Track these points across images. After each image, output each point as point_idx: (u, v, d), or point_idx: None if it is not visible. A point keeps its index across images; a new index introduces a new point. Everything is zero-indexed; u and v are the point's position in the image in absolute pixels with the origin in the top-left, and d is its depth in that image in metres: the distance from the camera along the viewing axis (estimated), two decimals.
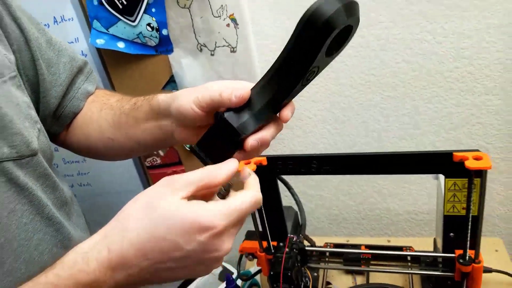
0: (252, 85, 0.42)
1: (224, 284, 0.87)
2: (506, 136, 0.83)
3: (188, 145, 0.44)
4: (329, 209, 1.03)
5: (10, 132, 0.45)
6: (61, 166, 1.10)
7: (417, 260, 0.75)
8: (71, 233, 0.53)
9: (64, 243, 0.52)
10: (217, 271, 1.14)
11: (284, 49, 0.38)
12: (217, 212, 0.36)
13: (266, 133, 0.42)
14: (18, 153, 0.46)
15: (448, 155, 0.58)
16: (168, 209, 0.36)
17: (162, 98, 0.51)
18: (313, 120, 0.92)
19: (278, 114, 0.42)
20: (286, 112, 0.42)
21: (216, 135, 0.42)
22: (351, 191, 0.98)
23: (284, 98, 0.41)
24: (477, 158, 0.56)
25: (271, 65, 0.39)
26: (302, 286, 0.73)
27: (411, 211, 0.96)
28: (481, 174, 0.56)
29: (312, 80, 0.41)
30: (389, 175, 0.92)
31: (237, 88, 0.42)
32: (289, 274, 0.69)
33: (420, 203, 0.94)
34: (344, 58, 0.84)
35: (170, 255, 0.37)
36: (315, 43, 0.36)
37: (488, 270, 0.75)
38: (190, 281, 1.13)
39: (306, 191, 1.01)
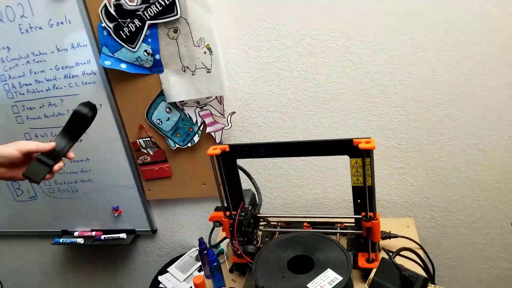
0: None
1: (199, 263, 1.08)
2: (413, 139, 1.11)
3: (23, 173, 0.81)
4: (284, 199, 1.28)
5: None
6: (68, 165, 1.33)
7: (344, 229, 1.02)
8: None
9: None
10: (195, 253, 1.36)
11: (67, 127, 0.82)
12: None
13: (61, 163, 0.81)
14: None
15: (350, 141, 0.85)
16: None
17: None
18: (270, 127, 1.18)
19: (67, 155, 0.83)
20: (71, 154, 0.83)
21: (34, 166, 0.79)
22: (300, 183, 1.24)
23: (69, 150, 0.83)
24: (367, 142, 0.83)
25: (60, 136, 0.82)
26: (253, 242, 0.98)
27: (347, 199, 1.22)
28: (369, 153, 0.83)
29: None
30: (329, 166, 1.19)
31: (44, 144, 0.80)
32: (242, 229, 0.94)
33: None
34: (292, 80, 1.11)
35: None
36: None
37: (395, 236, 1.01)
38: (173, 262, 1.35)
39: (266, 184, 1.27)
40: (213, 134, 1.18)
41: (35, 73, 1.22)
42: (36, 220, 1.51)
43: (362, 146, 0.82)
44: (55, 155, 0.81)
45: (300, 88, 1.11)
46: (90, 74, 1.18)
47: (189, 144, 1.21)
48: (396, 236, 1.01)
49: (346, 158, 0.86)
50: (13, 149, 0.78)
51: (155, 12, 1.04)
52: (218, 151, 0.91)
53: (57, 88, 1.22)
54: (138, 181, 1.32)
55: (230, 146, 0.93)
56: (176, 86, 1.13)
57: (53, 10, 1.12)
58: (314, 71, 1.08)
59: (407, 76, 1.03)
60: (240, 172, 0.98)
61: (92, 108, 0.84)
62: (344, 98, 1.10)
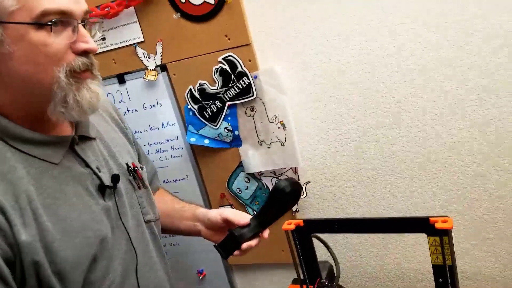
0: (250, 216, 0.87)
1: None
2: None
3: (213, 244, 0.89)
4: (364, 268, 1.25)
5: (154, 205, 0.85)
6: None
7: None
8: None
9: (168, 273, 0.92)
10: None
11: (267, 203, 0.83)
12: None
13: (252, 242, 0.85)
14: (156, 217, 0.84)
15: (426, 219, 0.83)
16: None
17: (201, 210, 0.96)
18: (345, 195, 1.19)
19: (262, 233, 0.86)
20: (265, 233, 0.86)
21: (227, 240, 0.85)
22: (381, 253, 1.21)
23: (265, 229, 0.85)
24: (444, 221, 0.81)
25: (260, 211, 0.84)
26: None
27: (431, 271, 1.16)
28: (447, 233, 0.81)
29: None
30: (413, 237, 1.15)
31: (242, 216, 0.86)
32: None
33: None
34: (366, 150, 1.12)
35: None
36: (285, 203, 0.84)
37: None
38: None
39: (344, 253, 1.26)
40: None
41: None
42: None
43: (439, 226, 0.80)
44: (248, 232, 0.83)
45: (374, 158, 1.12)
46: (178, 149, 1.31)
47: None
48: None
49: None
50: (217, 213, 0.89)
51: (234, 94, 1.14)
52: (292, 227, 0.95)
53: None
54: None
55: (305, 221, 0.96)
56: (253, 158, 1.21)
57: (147, 96, 1.28)
58: (387, 141, 1.09)
59: (486, 146, 0.99)
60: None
61: (292, 184, 0.81)
62: (420, 168, 1.08)
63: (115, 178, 0.79)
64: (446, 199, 1.08)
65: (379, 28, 1.00)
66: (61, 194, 0.70)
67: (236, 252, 0.84)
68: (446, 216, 0.82)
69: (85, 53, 0.67)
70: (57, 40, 0.64)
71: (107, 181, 0.77)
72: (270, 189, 0.82)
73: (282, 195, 0.82)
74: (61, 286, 0.68)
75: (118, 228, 0.79)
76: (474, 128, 1.00)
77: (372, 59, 1.03)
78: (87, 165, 0.76)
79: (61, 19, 0.63)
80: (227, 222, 0.88)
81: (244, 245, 0.84)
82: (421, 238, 1.12)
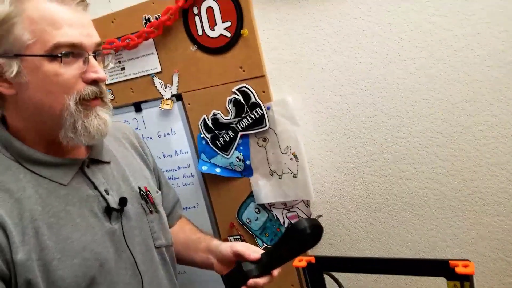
0: (261, 251, 0.83)
1: None
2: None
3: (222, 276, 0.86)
4: None
5: (167, 230, 0.83)
6: None
7: None
8: None
9: None
10: None
11: (282, 240, 0.78)
12: None
13: (260, 280, 0.81)
14: (168, 243, 0.84)
15: (445, 262, 0.79)
16: None
17: (214, 242, 0.94)
18: (358, 231, 1.16)
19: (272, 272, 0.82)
20: (276, 272, 0.84)
21: (234, 273, 0.81)
22: None
23: (276, 267, 0.81)
24: (465, 266, 0.76)
25: (273, 247, 0.79)
26: None
27: None
28: (468, 278, 0.76)
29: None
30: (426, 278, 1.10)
31: (254, 251, 0.83)
32: None
33: None
34: (380, 185, 1.09)
35: None
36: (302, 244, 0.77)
37: None
38: None
39: None
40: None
41: None
42: None
43: (460, 270, 0.75)
44: (257, 268, 0.79)
45: (389, 193, 1.08)
46: (190, 176, 1.31)
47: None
48: None
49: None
50: (228, 247, 0.88)
51: (247, 124, 1.14)
52: (304, 263, 0.91)
53: None
54: None
55: (317, 258, 0.93)
56: (264, 188, 1.19)
57: (161, 124, 1.29)
58: (403, 176, 1.05)
59: (510, 184, 0.95)
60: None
61: (315, 226, 0.75)
62: (438, 205, 1.04)
63: (123, 201, 0.79)
64: (466, 239, 1.04)
65: (396, 62, 0.99)
66: (66, 214, 0.72)
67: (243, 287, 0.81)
68: (467, 260, 0.77)
69: (94, 82, 0.71)
70: (68, 71, 0.68)
71: (114, 204, 0.79)
72: (288, 226, 0.77)
73: (301, 236, 0.76)
74: None
75: (124, 252, 0.79)
76: (496, 166, 0.96)
77: (389, 92, 1.01)
78: (95, 188, 0.78)
79: (72, 51, 0.68)
80: (238, 256, 0.86)
81: (251, 281, 0.81)
82: (439, 280, 1.07)
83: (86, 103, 0.71)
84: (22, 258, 0.66)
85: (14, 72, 0.66)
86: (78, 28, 0.68)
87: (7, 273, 0.66)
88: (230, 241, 1.29)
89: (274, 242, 0.80)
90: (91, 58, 0.70)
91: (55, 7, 0.67)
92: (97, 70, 0.70)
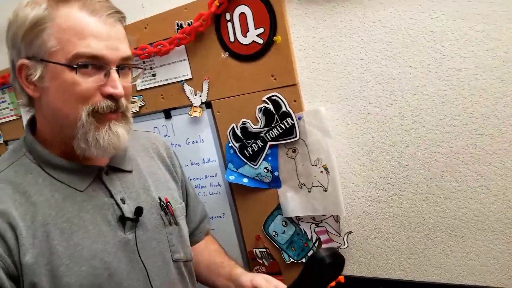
0: (283, 286, 0.78)
1: None
2: None
3: None
4: None
5: (186, 244, 0.81)
6: None
7: None
8: None
9: None
10: None
11: (302, 274, 0.73)
12: None
13: None
14: (187, 258, 0.81)
15: None
16: None
17: (236, 271, 0.91)
18: (391, 250, 1.09)
19: None
20: None
21: None
22: None
23: None
24: None
25: (294, 283, 0.73)
26: None
27: None
28: None
29: None
30: None
31: (275, 286, 0.80)
32: None
33: None
34: (416, 202, 1.03)
35: None
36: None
37: None
38: None
39: None
40: None
41: None
42: None
43: None
44: None
45: (425, 212, 1.02)
46: (217, 185, 1.28)
47: (304, 260, 1.18)
48: None
49: None
50: (248, 280, 0.86)
51: (276, 134, 1.11)
52: (332, 283, 0.87)
53: None
54: None
55: (347, 278, 0.88)
56: (292, 201, 1.15)
57: (190, 131, 1.27)
58: (442, 195, 0.99)
59: None
60: None
61: (333, 255, 0.70)
62: (479, 226, 0.97)
63: (139, 211, 0.78)
64: (508, 264, 0.96)
65: (438, 73, 0.93)
66: (79, 220, 0.72)
67: None
68: None
69: (111, 96, 0.70)
70: (86, 82, 0.68)
71: (129, 213, 0.78)
72: (307, 259, 0.72)
73: (320, 267, 0.71)
74: None
75: (137, 263, 0.77)
76: None
77: (429, 105, 0.96)
78: (111, 196, 0.77)
79: (93, 63, 0.68)
80: None
81: None
82: None
83: (100, 116, 0.70)
84: (29, 261, 0.67)
85: (37, 76, 0.68)
86: (104, 41, 0.68)
87: (16, 273, 0.67)
88: (256, 254, 1.26)
89: (295, 279, 0.73)
90: (113, 72, 0.70)
91: (84, 17, 0.67)
92: (116, 85, 0.70)
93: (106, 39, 0.68)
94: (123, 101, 0.73)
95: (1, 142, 1.73)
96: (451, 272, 1.03)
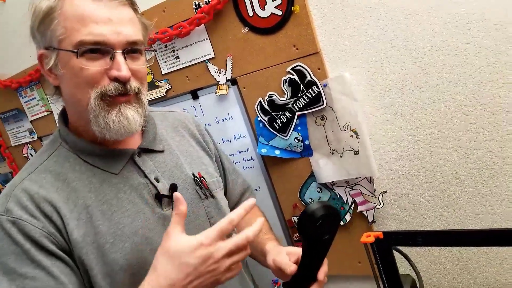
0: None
1: None
2: None
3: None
4: (449, 282, 1.17)
5: (225, 215, 0.87)
6: None
7: None
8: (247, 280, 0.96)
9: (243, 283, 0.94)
10: None
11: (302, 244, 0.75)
12: (203, 234, 0.67)
13: None
14: None
15: None
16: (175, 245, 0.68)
17: (267, 247, 0.93)
18: (425, 205, 1.13)
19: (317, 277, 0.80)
20: (321, 275, 0.81)
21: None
22: (468, 266, 1.12)
23: (316, 270, 0.78)
24: None
25: (302, 255, 0.76)
26: None
27: None
28: None
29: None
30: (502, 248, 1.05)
31: (290, 265, 0.80)
32: None
33: None
34: (448, 156, 1.05)
35: (188, 273, 0.65)
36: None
37: None
38: None
39: (427, 266, 1.18)
40: (365, 213, 1.18)
41: None
42: None
43: None
44: (301, 278, 0.78)
45: (457, 164, 1.04)
46: (250, 160, 1.33)
47: (341, 223, 1.23)
48: None
49: None
50: (271, 260, 0.86)
51: (303, 104, 1.14)
52: (372, 239, 0.91)
53: None
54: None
55: (385, 233, 0.92)
56: (325, 168, 1.19)
57: (218, 109, 1.31)
58: (472, 146, 1.01)
59: None
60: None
61: (325, 208, 0.67)
62: (510, 173, 0.99)
63: (173, 188, 0.83)
64: None
65: (457, 27, 0.94)
66: (117, 201, 0.78)
67: None
68: None
69: (117, 79, 0.73)
70: (93, 66, 0.71)
71: (165, 190, 0.82)
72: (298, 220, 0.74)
73: (313, 219, 0.67)
74: (111, 286, 0.75)
75: None
76: None
77: (452, 59, 0.96)
78: (145, 176, 0.82)
79: (98, 48, 0.70)
80: (278, 271, 0.85)
81: None
82: None
83: (109, 99, 0.73)
84: (77, 239, 0.73)
85: (51, 64, 0.73)
86: (106, 25, 0.70)
87: (68, 249, 0.73)
88: (294, 222, 1.31)
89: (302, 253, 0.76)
90: (118, 55, 0.71)
91: (87, 3, 0.70)
92: (120, 68, 0.72)
93: (108, 23, 0.70)
94: (133, 83, 0.74)
95: (36, 138, 1.81)
96: (487, 220, 1.05)
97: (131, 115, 0.75)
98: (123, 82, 0.73)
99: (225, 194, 1.03)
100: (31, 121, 1.79)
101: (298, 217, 0.73)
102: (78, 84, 0.72)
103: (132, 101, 0.76)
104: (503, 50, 0.91)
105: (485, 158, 1.01)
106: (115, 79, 0.72)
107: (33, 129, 1.80)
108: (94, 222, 0.75)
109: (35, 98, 1.72)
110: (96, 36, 0.69)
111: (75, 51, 0.70)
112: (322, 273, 0.82)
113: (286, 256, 0.85)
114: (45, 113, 1.72)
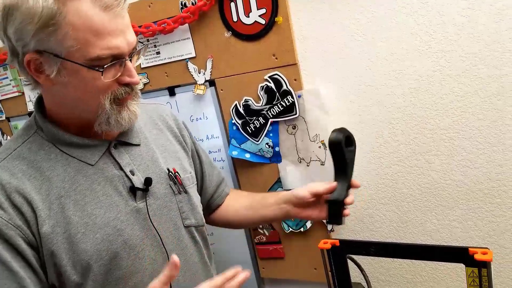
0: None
1: None
2: None
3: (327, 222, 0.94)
4: None
5: (197, 211, 0.88)
6: None
7: None
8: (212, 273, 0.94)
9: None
10: None
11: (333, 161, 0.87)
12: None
13: (350, 198, 0.88)
14: (198, 223, 0.88)
15: (465, 249, 0.82)
16: None
17: (283, 193, 0.98)
18: (382, 219, 1.19)
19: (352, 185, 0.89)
20: (355, 183, 0.90)
21: (331, 210, 0.87)
22: (415, 280, 1.19)
23: (350, 179, 0.89)
24: (484, 253, 0.79)
25: (335, 170, 0.89)
26: None
27: None
28: (486, 265, 0.79)
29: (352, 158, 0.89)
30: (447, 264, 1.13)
31: (328, 184, 0.89)
32: None
33: None
34: (406, 175, 1.12)
35: None
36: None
37: None
38: None
39: (378, 277, 1.24)
40: (324, 221, 1.23)
41: None
42: None
43: (479, 257, 0.79)
44: (342, 191, 0.87)
45: (414, 183, 1.11)
46: (220, 161, 1.36)
47: (302, 229, 1.27)
48: None
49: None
50: (305, 190, 0.93)
51: (277, 111, 1.18)
52: (328, 246, 0.96)
53: None
54: (254, 259, 1.42)
55: (341, 241, 0.97)
56: (292, 175, 1.23)
57: (194, 108, 1.34)
58: (429, 168, 1.08)
59: None
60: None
61: (341, 131, 0.85)
62: (461, 197, 1.06)
63: (148, 182, 0.84)
64: (487, 230, 1.06)
65: (427, 55, 1.01)
66: (91, 192, 0.78)
67: (346, 212, 0.88)
68: (486, 248, 0.81)
69: (128, 84, 0.75)
70: (106, 76, 0.72)
71: (139, 184, 0.83)
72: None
73: (336, 147, 0.86)
74: (81, 277, 0.76)
75: (150, 230, 0.84)
76: None
77: (419, 84, 1.03)
78: (121, 168, 0.83)
79: (112, 62, 0.71)
80: (316, 195, 0.92)
81: (348, 200, 0.87)
82: (458, 269, 1.10)
83: (119, 100, 0.75)
84: (47, 231, 0.73)
85: (54, 72, 0.69)
86: (119, 37, 0.69)
87: (36, 243, 0.73)
88: None
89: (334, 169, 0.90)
90: (128, 62, 0.73)
91: (97, 12, 0.67)
92: (132, 74, 0.74)
93: (121, 34, 0.70)
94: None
95: (3, 118, 1.76)
96: (436, 238, 1.13)
97: (136, 109, 0.79)
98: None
99: (202, 186, 1.05)
100: (0, 100, 1.74)
101: (329, 139, 0.86)
102: (87, 92, 0.73)
103: (134, 97, 0.79)
104: (465, 81, 0.99)
105: (440, 179, 1.08)
106: (125, 84, 0.75)
107: (1, 108, 1.76)
108: (66, 212, 0.75)
109: (7, 77, 1.68)
110: (112, 49, 0.69)
111: (96, 68, 0.69)
112: (355, 182, 0.91)
113: (319, 184, 0.92)
114: (17, 94, 1.68)
